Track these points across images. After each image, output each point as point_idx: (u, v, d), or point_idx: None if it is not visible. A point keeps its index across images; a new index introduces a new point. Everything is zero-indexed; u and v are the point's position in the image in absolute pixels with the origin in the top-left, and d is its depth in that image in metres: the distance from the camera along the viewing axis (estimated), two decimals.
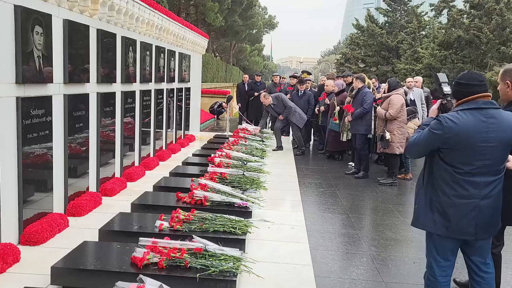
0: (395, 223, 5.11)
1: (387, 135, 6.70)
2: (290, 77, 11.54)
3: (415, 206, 2.82)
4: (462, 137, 2.54)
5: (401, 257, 4.15)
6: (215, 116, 15.97)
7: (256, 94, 11.90)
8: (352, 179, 7.26)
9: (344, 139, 7.92)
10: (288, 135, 11.09)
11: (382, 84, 9.09)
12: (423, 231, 4.56)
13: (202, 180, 5.15)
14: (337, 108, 8.22)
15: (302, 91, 9.67)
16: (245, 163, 6.65)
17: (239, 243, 3.74)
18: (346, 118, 7.66)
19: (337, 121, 8.15)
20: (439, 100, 2.94)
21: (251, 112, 12.15)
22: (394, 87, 6.91)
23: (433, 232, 2.72)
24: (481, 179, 2.59)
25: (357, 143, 7.35)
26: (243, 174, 5.76)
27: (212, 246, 3.30)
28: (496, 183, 2.62)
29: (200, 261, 3.15)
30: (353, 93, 7.70)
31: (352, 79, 8.53)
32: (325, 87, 9.22)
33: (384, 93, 7.48)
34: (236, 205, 4.65)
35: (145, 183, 5.99)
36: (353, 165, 7.97)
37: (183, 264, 3.12)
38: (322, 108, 9.13)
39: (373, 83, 8.82)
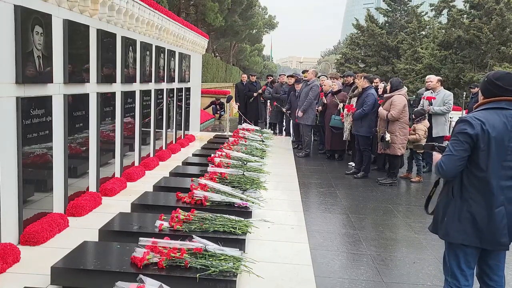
0: (395, 223, 5.11)
1: (387, 137, 6.67)
2: (288, 76, 11.53)
3: (441, 218, 2.70)
4: (492, 133, 2.48)
5: (401, 257, 4.15)
6: (215, 116, 15.98)
7: (255, 94, 11.87)
8: (352, 179, 7.26)
9: (345, 138, 7.93)
10: (289, 135, 11.09)
11: (381, 84, 9.08)
12: (423, 232, 4.56)
13: (202, 180, 5.15)
14: (341, 104, 8.20)
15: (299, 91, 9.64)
16: (245, 163, 6.64)
17: (239, 243, 3.74)
18: (348, 117, 7.64)
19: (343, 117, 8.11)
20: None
21: (251, 113, 12.09)
22: (397, 87, 6.84)
23: (466, 244, 2.62)
24: (510, 183, 2.52)
25: (360, 144, 7.33)
26: (243, 174, 5.76)
27: (212, 246, 3.30)
28: None
29: (200, 261, 3.15)
30: (355, 92, 7.70)
31: (353, 79, 8.53)
32: (323, 86, 9.19)
33: (385, 93, 7.46)
34: (236, 205, 4.65)
35: (145, 183, 5.99)
36: (353, 165, 7.98)
37: (183, 264, 3.12)
38: (320, 108, 9.10)
39: (375, 82, 8.80)
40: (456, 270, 2.67)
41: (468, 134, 2.52)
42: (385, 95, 7.11)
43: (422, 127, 7.12)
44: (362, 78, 7.46)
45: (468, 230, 2.57)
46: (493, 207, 2.52)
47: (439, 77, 8.34)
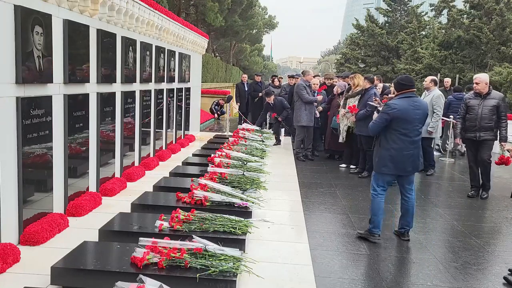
0: (395, 223, 5.10)
1: None
2: (289, 77, 11.51)
3: (376, 159, 4.48)
4: (402, 113, 4.29)
5: (401, 257, 4.15)
6: (215, 116, 15.98)
7: (260, 94, 11.77)
8: (353, 179, 7.26)
9: (340, 140, 7.83)
10: (289, 135, 11.07)
11: (380, 84, 9.05)
12: (423, 232, 4.59)
13: (202, 180, 5.15)
14: (341, 107, 8.15)
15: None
16: (245, 163, 6.64)
17: (239, 243, 3.74)
18: (350, 118, 7.52)
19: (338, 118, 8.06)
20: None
21: (255, 113, 12.00)
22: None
23: (385, 173, 4.43)
24: (413, 138, 4.36)
25: (364, 144, 7.30)
26: (243, 174, 5.76)
27: (212, 246, 3.30)
28: (419, 140, 4.45)
29: (200, 261, 3.15)
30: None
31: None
32: (313, 85, 9.04)
33: (383, 93, 7.44)
34: (236, 205, 4.65)
35: (145, 183, 5.99)
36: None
37: (183, 264, 3.12)
38: (320, 108, 8.96)
39: (376, 80, 8.72)
40: (376, 186, 4.49)
41: (388, 113, 4.33)
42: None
43: None
44: (364, 79, 7.43)
45: (389, 165, 4.37)
46: (404, 151, 4.32)
47: (433, 77, 8.35)
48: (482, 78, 6.22)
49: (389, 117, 4.29)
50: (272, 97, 9.61)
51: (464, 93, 10.30)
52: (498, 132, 6.20)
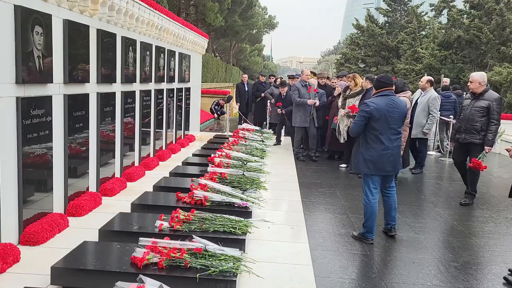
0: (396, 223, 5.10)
1: None
2: (288, 77, 11.51)
3: (356, 160, 4.60)
4: (379, 111, 4.29)
5: (401, 257, 4.15)
6: (215, 116, 15.99)
7: (262, 94, 11.72)
8: (353, 179, 7.26)
9: (342, 140, 7.82)
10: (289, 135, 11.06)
11: None
12: (423, 232, 4.60)
13: (202, 180, 5.15)
14: (340, 107, 8.13)
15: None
16: (245, 163, 6.64)
17: (239, 243, 3.73)
18: (351, 119, 7.49)
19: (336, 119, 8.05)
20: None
21: (257, 113, 11.95)
22: (401, 88, 6.65)
23: (368, 174, 4.38)
24: (392, 137, 4.36)
25: None
26: (243, 174, 5.76)
27: (212, 246, 3.30)
28: (399, 139, 4.46)
29: (200, 261, 3.15)
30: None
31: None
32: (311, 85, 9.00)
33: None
34: (236, 205, 4.65)
35: (145, 183, 5.99)
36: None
37: (183, 264, 3.12)
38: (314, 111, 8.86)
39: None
40: (367, 190, 4.42)
41: (366, 111, 4.32)
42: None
43: None
44: (365, 79, 7.40)
45: (369, 165, 4.36)
46: (382, 150, 4.31)
47: (429, 77, 8.33)
48: (475, 77, 5.78)
49: (367, 114, 4.29)
50: (286, 88, 9.69)
51: (451, 92, 10.34)
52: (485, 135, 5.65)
